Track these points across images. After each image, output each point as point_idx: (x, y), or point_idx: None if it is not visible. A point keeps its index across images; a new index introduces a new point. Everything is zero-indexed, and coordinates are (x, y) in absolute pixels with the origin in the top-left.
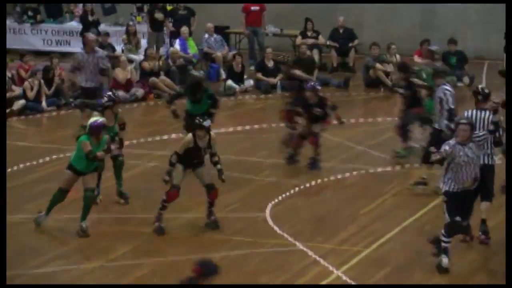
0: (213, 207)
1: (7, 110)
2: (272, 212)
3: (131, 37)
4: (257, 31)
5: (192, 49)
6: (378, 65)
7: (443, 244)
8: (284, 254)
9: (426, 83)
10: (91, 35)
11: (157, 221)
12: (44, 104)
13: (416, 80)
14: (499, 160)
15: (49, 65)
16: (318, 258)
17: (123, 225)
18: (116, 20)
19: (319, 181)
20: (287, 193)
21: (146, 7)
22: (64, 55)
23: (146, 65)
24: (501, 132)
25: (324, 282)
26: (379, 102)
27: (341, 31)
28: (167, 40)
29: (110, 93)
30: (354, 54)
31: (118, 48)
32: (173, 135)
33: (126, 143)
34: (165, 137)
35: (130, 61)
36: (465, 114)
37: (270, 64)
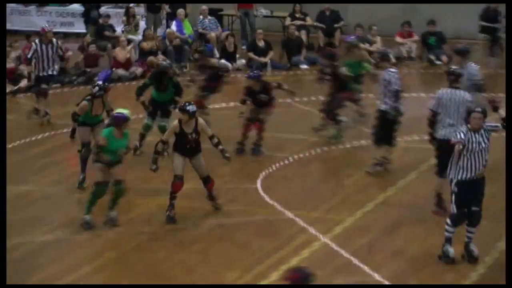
0: (213, 194)
1: (15, 88)
2: (263, 183)
3: (130, 19)
4: (248, 13)
5: (188, 30)
6: (361, 45)
7: (447, 234)
8: (274, 222)
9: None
10: (47, 26)
11: (168, 210)
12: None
13: (342, 68)
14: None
15: None
16: (305, 226)
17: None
18: (116, 2)
19: (306, 154)
20: (277, 165)
21: None
22: (67, 36)
23: (144, 45)
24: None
25: (311, 248)
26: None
27: (327, 13)
28: (164, 22)
29: (100, 83)
30: (339, 34)
31: (118, 29)
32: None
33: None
34: None
35: (130, 41)
36: (440, 93)
37: (261, 44)
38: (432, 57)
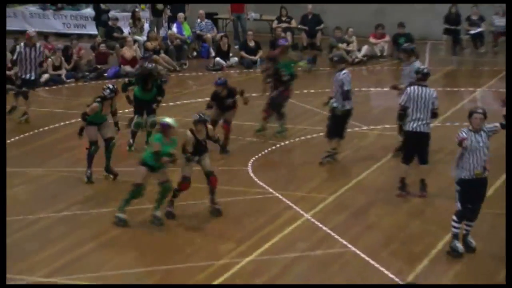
0: (214, 194)
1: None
2: (253, 166)
3: (136, 21)
4: (240, 16)
5: (187, 32)
6: (339, 45)
7: (454, 230)
8: (263, 201)
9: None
10: (32, 31)
11: (168, 206)
12: (64, 77)
13: (283, 70)
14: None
15: (69, 45)
16: (290, 204)
17: (129, 176)
18: (124, 7)
19: (292, 141)
20: (266, 151)
21: None
22: (81, 36)
23: (148, 45)
24: (436, 105)
25: (296, 224)
26: None
27: (309, 16)
28: (165, 24)
29: (111, 86)
30: (320, 35)
31: (126, 31)
32: (170, 103)
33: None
34: (164, 104)
35: (136, 41)
36: (408, 90)
37: (252, 44)
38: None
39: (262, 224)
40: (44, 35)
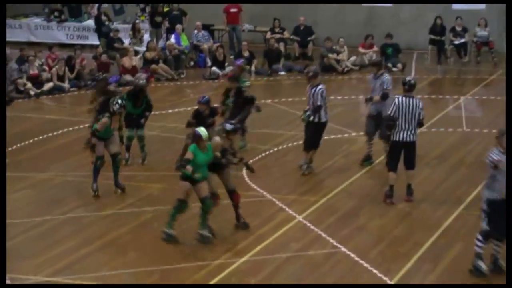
0: (238, 209)
1: (38, 91)
2: (248, 171)
3: (136, 33)
4: (235, 28)
5: (185, 42)
6: (330, 55)
7: (477, 249)
8: (257, 203)
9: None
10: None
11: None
12: (67, 85)
13: (244, 89)
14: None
15: (72, 55)
16: (283, 206)
17: (130, 180)
18: (124, 19)
19: (284, 146)
20: (260, 156)
21: (148, 8)
22: (83, 47)
23: (148, 55)
24: (422, 116)
25: (288, 225)
26: (331, 83)
27: (301, 28)
28: (164, 35)
29: (120, 101)
30: (312, 46)
31: (126, 42)
32: (169, 110)
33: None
34: (163, 112)
35: (137, 52)
36: (396, 101)
37: (246, 54)
38: (390, 64)
39: (257, 226)
40: (48, 46)
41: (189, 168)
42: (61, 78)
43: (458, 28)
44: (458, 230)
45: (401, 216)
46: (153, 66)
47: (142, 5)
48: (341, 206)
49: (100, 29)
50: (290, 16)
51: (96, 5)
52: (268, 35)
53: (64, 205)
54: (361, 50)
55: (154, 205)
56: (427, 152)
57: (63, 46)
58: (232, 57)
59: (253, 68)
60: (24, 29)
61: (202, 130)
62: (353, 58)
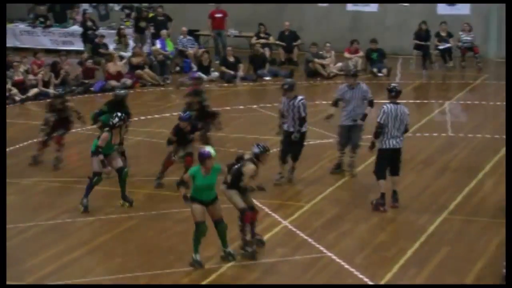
0: (255, 227)
1: (24, 96)
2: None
3: (121, 38)
4: (221, 33)
5: (170, 47)
6: (315, 60)
7: None
8: None
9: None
10: None
11: (245, 245)
12: (52, 91)
13: (205, 102)
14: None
15: (57, 60)
16: (269, 211)
17: (115, 186)
18: (109, 24)
19: (272, 151)
20: None
21: (133, 14)
22: (69, 52)
23: (133, 60)
24: (408, 122)
25: (274, 230)
26: (316, 88)
27: (287, 33)
28: (149, 41)
29: (120, 114)
30: (297, 51)
31: (111, 47)
32: (156, 115)
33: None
34: (149, 116)
35: (122, 57)
36: (385, 108)
37: (231, 59)
38: (375, 69)
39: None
40: (33, 52)
41: (182, 190)
42: (46, 84)
43: (443, 33)
44: (444, 235)
45: (387, 221)
46: (138, 71)
47: (127, 11)
48: (327, 211)
49: (86, 35)
50: (275, 22)
51: (81, 10)
52: (253, 40)
53: (49, 211)
54: (346, 55)
55: (140, 211)
56: (412, 157)
57: (48, 51)
58: (217, 62)
59: (239, 73)
60: (9, 34)
61: (210, 148)
62: (339, 64)
